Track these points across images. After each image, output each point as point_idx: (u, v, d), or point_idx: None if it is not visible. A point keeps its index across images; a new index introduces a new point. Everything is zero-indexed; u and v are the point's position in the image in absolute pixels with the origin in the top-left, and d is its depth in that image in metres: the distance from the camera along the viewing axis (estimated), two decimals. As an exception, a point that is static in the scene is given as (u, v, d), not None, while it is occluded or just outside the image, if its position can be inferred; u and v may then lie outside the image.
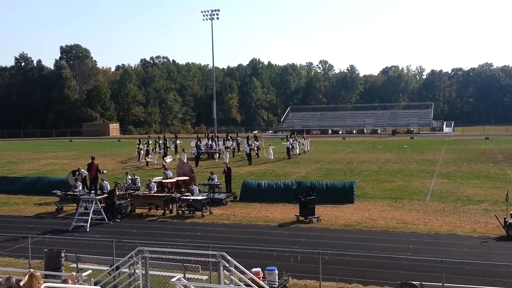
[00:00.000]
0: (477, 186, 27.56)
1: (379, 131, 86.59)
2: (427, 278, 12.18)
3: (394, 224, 19.55)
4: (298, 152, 45.12)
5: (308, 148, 48.75)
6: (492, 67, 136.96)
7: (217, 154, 44.03)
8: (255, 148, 43.84)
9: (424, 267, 13.24)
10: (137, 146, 44.18)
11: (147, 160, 41.46)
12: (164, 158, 40.29)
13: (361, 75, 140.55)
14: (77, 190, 24.46)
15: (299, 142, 47.26)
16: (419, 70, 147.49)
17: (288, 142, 45.36)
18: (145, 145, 44.64)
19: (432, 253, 15.41)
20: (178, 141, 47.50)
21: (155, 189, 24.03)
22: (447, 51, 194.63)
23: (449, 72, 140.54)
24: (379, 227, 19.32)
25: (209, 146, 45.55)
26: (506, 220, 17.69)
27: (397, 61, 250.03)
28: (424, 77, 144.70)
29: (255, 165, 39.15)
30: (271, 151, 41.47)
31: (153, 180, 25.61)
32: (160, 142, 47.09)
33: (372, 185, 28.59)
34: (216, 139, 47.99)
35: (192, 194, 23.15)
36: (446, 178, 30.70)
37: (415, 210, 21.93)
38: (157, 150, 43.73)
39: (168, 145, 46.25)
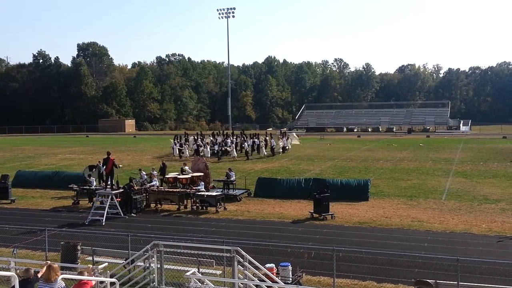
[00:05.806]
0: (494, 185, 27.25)
1: (394, 129, 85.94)
2: (442, 276, 12.08)
3: (409, 222, 19.43)
4: (278, 150, 46.36)
5: (289, 146, 49.14)
6: (510, 66, 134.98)
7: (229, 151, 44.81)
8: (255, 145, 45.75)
9: (439, 265, 13.15)
10: (173, 141, 47.63)
11: (182, 154, 44.53)
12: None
13: (377, 73, 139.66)
14: (92, 184, 25.08)
15: (278, 138, 48.37)
16: (436, 69, 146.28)
17: (272, 140, 46.85)
18: (179, 141, 47.36)
19: (447, 251, 15.29)
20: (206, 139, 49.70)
21: (157, 183, 24.83)
22: (465, 49, 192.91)
23: (467, 70, 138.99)
24: (393, 225, 19.21)
25: (223, 143, 46.11)
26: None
27: (414, 60, 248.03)
28: (441, 75, 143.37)
29: (269, 162, 39.28)
30: (263, 147, 45.34)
31: (168, 175, 26.18)
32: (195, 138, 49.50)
33: (387, 183, 28.42)
34: (230, 136, 48.75)
35: (197, 190, 23.29)
36: (462, 176, 30.39)
37: (430, 209, 21.75)
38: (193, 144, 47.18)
39: (200, 142, 48.01)
